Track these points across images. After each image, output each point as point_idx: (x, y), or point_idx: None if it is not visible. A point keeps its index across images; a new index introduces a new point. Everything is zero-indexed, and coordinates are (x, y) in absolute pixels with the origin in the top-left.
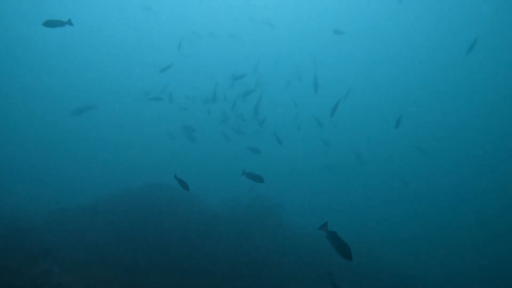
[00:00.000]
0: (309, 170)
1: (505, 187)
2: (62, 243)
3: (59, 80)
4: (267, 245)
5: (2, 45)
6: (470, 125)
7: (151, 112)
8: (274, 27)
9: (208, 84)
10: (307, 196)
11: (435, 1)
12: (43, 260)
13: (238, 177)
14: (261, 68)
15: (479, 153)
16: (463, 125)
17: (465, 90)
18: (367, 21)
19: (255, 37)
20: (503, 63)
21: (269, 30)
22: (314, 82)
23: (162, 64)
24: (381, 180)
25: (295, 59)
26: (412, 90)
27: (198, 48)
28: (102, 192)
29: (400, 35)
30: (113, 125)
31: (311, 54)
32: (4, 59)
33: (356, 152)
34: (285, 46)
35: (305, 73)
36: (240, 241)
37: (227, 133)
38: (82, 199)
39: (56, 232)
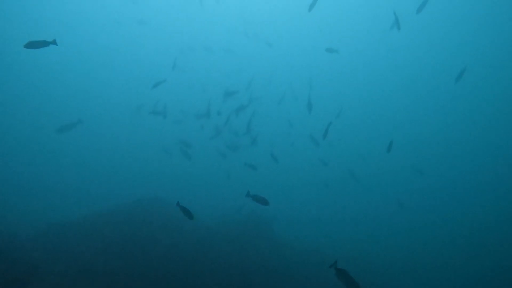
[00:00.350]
0: (304, 186)
1: (502, 208)
2: (50, 261)
3: (53, 94)
4: (261, 260)
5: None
6: (467, 145)
7: (144, 126)
8: (271, 46)
9: (202, 98)
10: (302, 211)
11: (427, 26)
12: (30, 282)
13: (232, 191)
14: (255, 83)
15: (476, 173)
16: (460, 145)
17: (462, 109)
18: (361, 41)
19: (249, 53)
20: (497, 83)
21: (263, 45)
22: (308, 102)
23: (157, 78)
24: (376, 199)
25: (289, 76)
26: (408, 108)
27: (193, 62)
28: (93, 206)
29: (394, 55)
30: (106, 139)
31: (306, 72)
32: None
33: (350, 170)
34: (280, 63)
35: (299, 90)
36: (234, 256)
37: (221, 149)
38: (72, 214)
39: (45, 249)
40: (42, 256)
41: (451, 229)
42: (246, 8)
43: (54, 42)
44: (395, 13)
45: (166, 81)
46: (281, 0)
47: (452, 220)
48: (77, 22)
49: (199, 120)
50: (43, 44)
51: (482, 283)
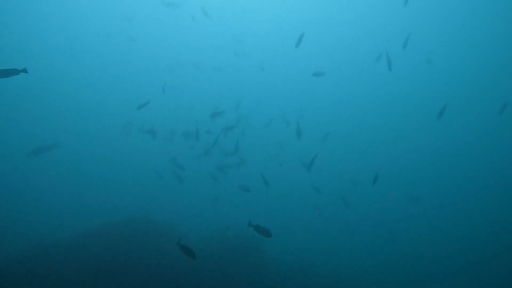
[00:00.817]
0: (294, 208)
1: (498, 238)
2: (34, 286)
3: (38, 111)
4: (250, 280)
5: None
6: (462, 173)
7: (133, 145)
8: (264, 70)
9: (191, 115)
10: (292, 233)
11: (414, 59)
12: None
13: (221, 212)
14: (244, 104)
15: (472, 202)
16: (455, 172)
17: (456, 136)
18: (353, 68)
19: (239, 72)
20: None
21: (254, 65)
22: (297, 129)
23: (146, 93)
24: (366, 225)
25: (279, 98)
26: (402, 134)
27: (181, 79)
28: (80, 226)
29: (385, 80)
30: (93, 158)
31: (297, 96)
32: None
33: (341, 195)
34: (270, 84)
35: (290, 115)
36: (223, 276)
37: (211, 169)
38: (57, 234)
39: (30, 272)
40: (25, 279)
41: (444, 260)
42: (238, 27)
43: (24, 70)
44: (388, 54)
45: (153, 100)
46: (274, 22)
47: (445, 251)
48: (66, 37)
49: (188, 140)
50: (14, 72)
51: None
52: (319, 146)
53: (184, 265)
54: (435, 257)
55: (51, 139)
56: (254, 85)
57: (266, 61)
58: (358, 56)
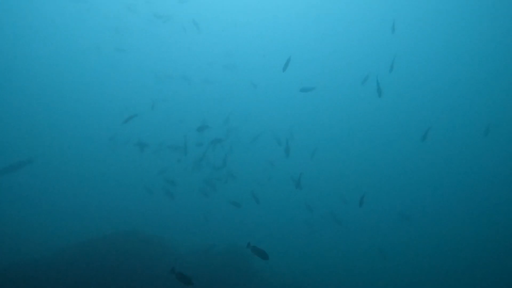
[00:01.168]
0: (285, 224)
1: (492, 258)
2: None
3: (27, 121)
4: None
5: None
6: (458, 191)
7: (121, 157)
8: (256, 87)
9: (180, 128)
10: (281, 249)
11: (401, 80)
12: None
13: (210, 226)
14: (233, 118)
15: (467, 222)
16: (450, 190)
17: (449, 153)
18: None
19: (229, 86)
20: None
21: (243, 78)
22: (287, 146)
23: (134, 105)
24: (357, 243)
25: (268, 114)
26: (390, 151)
27: (170, 91)
28: (67, 241)
29: (373, 103)
30: (81, 171)
31: (286, 111)
32: None
33: (331, 212)
34: (259, 98)
35: (279, 129)
36: None
37: (200, 184)
38: (43, 249)
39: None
40: None
41: (436, 281)
42: (228, 40)
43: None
44: (378, 81)
45: (141, 113)
46: (265, 37)
47: (437, 271)
48: (54, 48)
49: (176, 153)
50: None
51: None
52: (310, 163)
53: (172, 279)
54: (426, 277)
55: (36, 152)
56: (244, 99)
57: (256, 75)
58: (348, 77)
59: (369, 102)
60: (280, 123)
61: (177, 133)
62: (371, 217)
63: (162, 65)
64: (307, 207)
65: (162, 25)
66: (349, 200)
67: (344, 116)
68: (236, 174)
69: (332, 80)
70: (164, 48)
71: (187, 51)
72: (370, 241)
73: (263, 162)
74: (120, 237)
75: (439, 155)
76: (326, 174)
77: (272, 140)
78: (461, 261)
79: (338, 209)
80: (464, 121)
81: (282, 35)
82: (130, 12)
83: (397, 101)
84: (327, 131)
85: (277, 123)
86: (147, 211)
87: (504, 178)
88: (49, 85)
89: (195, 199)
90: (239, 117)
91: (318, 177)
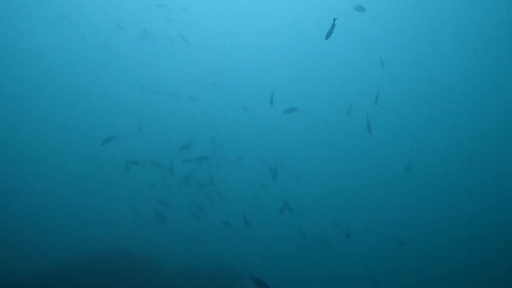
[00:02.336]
0: (275, 247)
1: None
2: None
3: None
4: None
5: None
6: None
7: (107, 176)
8: (247, 111)
9: (166, 144)
10: (274, 268)
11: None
12: None
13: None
14: (220, 137)
15: (466, 246)
16: (445, 213)
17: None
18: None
19: (216, 104)
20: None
21: (231, 97)
22: (274, 169)
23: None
24: (348, 271)
25: (256, 134)
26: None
27: (156, 106)
28: (52, 260)
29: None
30: (68, 187)
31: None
32: None
33: (322, 236)
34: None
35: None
36: None
37: (188, 202)
38: (30, 269)
39: None
40: None
41: None
42: (217, 56)
43: None
44: (368, 119)
45: (127, 130)
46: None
47: None
48: (32, 59)
49: (161, 170)
50: None
51: None
52: (299, 185)
53: None
54: None
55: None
56: (231, 118)
57: (246, 96)
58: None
59: (358, 132)
60: (269, 143)
61: (163, 150)
62: (364, 243)
63: (149, 81)
64: (299, 232)
65: (150, 43)
66: (340, 223)
67: (334, 138)
68: (224, 193)
69: (321, 104)
70: (152, 62)
71: (175, 67)
72: (362, 269)
73: (252, 182)
74: (107, 255)
75: (435, 179)
76: (316, 196)
77: (260, 160)
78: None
79: (329, 232)
80: (449, 150)
81: (271, 57)
82: (118, 28)
83: (383, 130)
84: (317, 152)
85: (265, 143)
86: (134, 229)
87: (492, 201)
88: (34, 99)
89: (184, 219)
90: (227, 136)
91: (308, 199)
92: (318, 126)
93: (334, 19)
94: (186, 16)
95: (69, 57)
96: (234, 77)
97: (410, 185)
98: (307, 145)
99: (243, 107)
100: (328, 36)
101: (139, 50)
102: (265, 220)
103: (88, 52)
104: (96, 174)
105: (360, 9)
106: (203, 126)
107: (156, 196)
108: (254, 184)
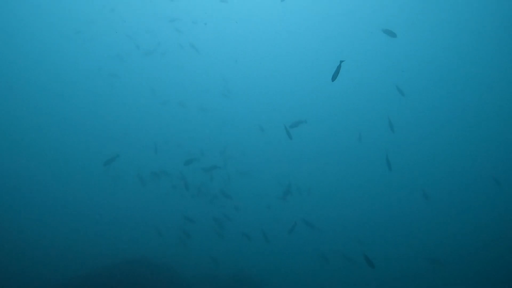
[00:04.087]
0: (295, 259)
1: None
2: None
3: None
4: None
5: None
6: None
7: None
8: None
9: (176, 154)
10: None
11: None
12: None
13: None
14: (230, 148)
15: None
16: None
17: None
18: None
19: (226, 115)
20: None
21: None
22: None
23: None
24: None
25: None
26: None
27: (165, 117)
28: (77, 270)
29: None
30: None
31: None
32: None
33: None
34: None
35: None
36: None
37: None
38: (56, 277)
39: None
40: None
41: None
42: (228, 67)
43: None
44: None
45: (138, 140)
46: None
47: None
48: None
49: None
50: None
51: None
52: (320, 202)
53: None
54: None
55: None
56: (241, 129)
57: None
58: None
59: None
60: (281, 157)
61: (174, 161)
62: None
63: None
64: (320, 253)
65: (161, 56)
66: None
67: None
68: (240, 206)
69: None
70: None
71: (183, 78)
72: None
73: (265, 196)
74: (129, 265)
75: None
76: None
77: (270, 173)
78: None
79: (354, 251)
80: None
81: (282, 69)
82: (130, 41)
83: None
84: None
85: (277, 157)
86: (156, 238)
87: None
88: (46, 109)
89: (206, 227)
90: (237, 148)
91: (333, 217)
92: (328, 139)
93: (341, 62)
94: (197, 29)
95: (83, 69)
96: (244, 88)
97: (430, 212)
98: (317, 158)
99: (262, 130)
100: (334, 78)
101: (150, 62)
102: (283, 233)
103: (101, 63)
104: (111, 185)
105: (392, 34)
106: (214, 136)
107: (173, 207)
108: (266, 196)
